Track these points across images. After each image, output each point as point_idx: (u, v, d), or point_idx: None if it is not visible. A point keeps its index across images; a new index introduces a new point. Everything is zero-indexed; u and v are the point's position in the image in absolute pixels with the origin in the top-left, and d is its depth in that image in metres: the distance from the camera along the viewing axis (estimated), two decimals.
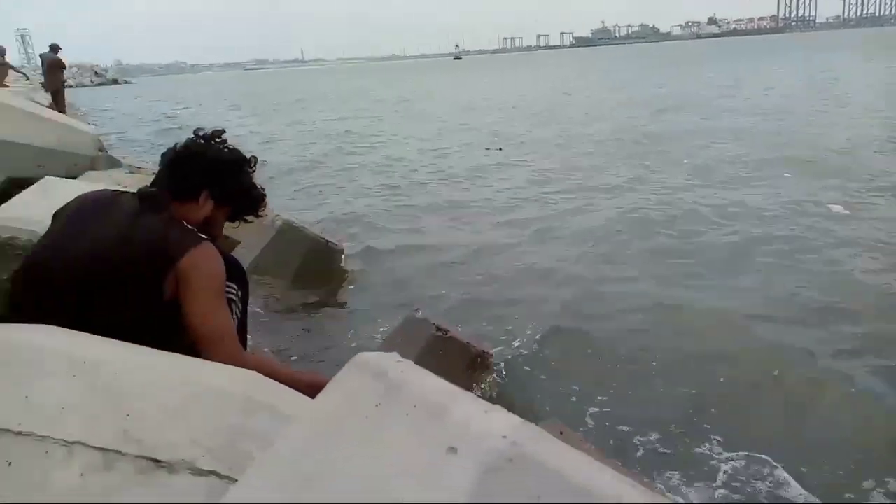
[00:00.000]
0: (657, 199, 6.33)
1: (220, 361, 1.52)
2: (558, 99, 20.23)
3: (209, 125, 1.94)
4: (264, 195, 1.92)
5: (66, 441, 0.96)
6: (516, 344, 3.32)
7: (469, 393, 0.58)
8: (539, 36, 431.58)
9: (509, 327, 3.52)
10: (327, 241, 4.66)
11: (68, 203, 1.75)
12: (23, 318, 1.40)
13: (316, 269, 4.47)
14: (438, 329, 3.27)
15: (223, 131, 1.88)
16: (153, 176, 1.87)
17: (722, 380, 2.89)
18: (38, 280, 1.63)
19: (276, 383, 1.25)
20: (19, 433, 0.95)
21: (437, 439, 0.54)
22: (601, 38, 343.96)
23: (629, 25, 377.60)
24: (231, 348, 1.59)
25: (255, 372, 1.28)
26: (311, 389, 1.80)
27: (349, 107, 21.62)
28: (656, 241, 5.07)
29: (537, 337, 3.35)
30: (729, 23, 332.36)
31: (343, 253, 4.72)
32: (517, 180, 7.77)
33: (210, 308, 1.59)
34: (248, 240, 4.26)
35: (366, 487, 0.54)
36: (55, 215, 1.74)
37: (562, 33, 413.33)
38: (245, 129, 15.59)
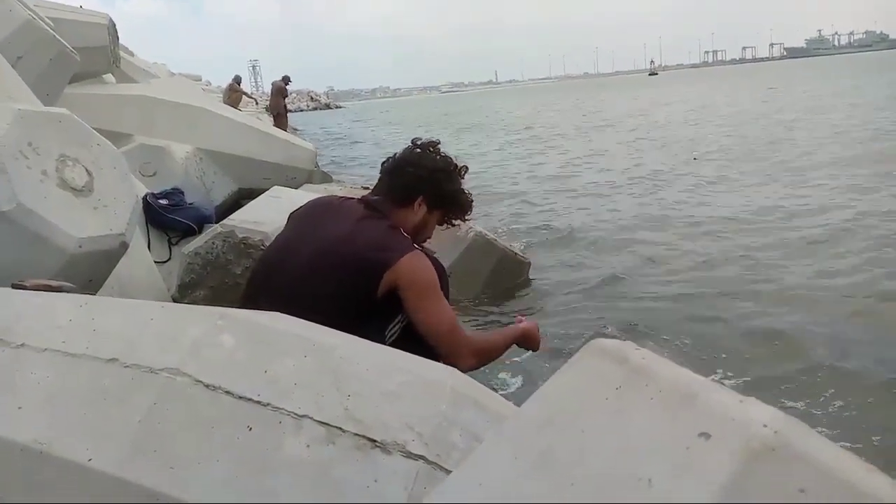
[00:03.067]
0: None
1: (454, 351, 1.68)
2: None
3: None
4: (472, 201, 2.02)
5: (296, 414, 1.06)
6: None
7: (717, 384, 0.56)
8: (744, 48, 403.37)
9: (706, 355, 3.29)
10: (516, 254, 4.72)
11: (301, 207, 1.96)
12: (254, 308, 1.60)
13: (503, 280, 4.55)
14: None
15: (438, 142, 2.00)
16: (361, 189, 2.05)
17: None
18: (271, 275, 1.85)
19: (480, 385, 1.28)
20: (258, 402, 1.07)
21: (687, 424, 0.52)
22: (817, 47, 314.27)
23: (851, 33, 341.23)
24: (459, 338, 1.76)
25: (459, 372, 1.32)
26: (522, 338, 2.04)
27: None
28: None
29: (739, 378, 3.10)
30: None
31: (530, 266, 4.75)
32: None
33: (433, 308, 1.74)
34: (442, 248, 4.44)
35: (611, 464, 0.53)
36: (290, 217, 1.96)
37: (770, 44, 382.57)
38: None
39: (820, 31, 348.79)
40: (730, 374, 3.01)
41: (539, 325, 2.17)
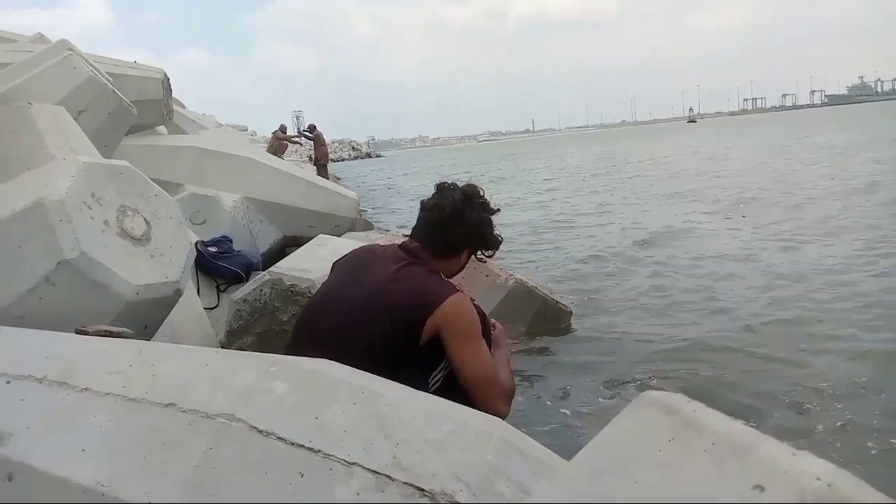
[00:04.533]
0: None
1: (491, 399, 1.68)
2: None
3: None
4: (501, 240, 2.07)
5: (346, 461, 1.08)
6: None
7: (770, 437, 0.56)
8: (784, 95, 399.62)
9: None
10: (557, 301, 4.68)
11: (345, 255, 2.01)
12: (301, 354, 1.63)
13: (544, 328, 4.51)
14: None
15: (482, 195, 2.03)
16: (402, 237, 2.09)
17: None
18: (315, 322, 1.88)
19: (525, 435, 1.29)
20: (310, 449, 1.10)
21: (741, 476, 0.53)
22: (859, 94, 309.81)
23: (895, 79, 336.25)
24: (497, 386, 1.73)
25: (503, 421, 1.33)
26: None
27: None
28: None
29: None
30: None
31: (571, 314, 4.71)
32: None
33: (474, 352, 1.75)
34: (481, 295, 4.44)
35: None
36: (333, 266, 2.01)
37: (811, 92, 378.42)
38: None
39: (862, 77, 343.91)
40: (782, 426, 2.92)
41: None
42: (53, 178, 1.87)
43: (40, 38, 6.77)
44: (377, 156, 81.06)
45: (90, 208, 1.85)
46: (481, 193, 2.04)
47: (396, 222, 10.41)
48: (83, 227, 1.79)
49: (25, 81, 3.40)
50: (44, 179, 1.87)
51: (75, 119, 3.34)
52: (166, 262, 1.95)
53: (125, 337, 1.46)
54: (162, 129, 6.39)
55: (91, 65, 4.05)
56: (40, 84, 3.50)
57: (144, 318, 1.90)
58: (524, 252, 8.02)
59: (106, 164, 2.02)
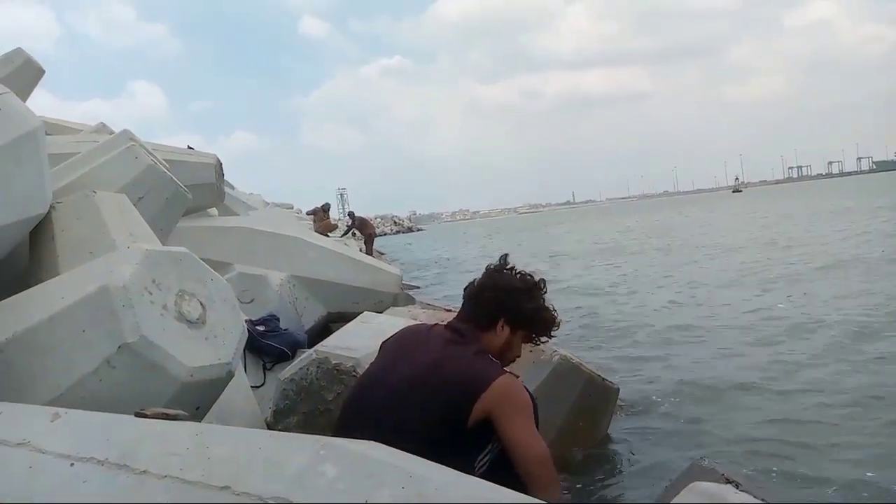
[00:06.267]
0: None
1: (544, 482, 1.64)
2: None
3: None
4: (557, 317, 2.04)
5: None
6: None
7: None
8: (830, 163, 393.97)
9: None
10: (603, 379, 4.60)
11: (392, 336, 2.05)
12: (348, 435, 1.65)
13: (589, 405, 4.41)
14: (728, 481, 2.99)
15: (506, 255, 2.06)
16: (444, 311, 2.13)
17: None
18: (363, 403, 1.91)
19: None
20: None
21: None
22: None
23: None
24: (552, 470, 1.71)
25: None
26: None
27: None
28: None
29: None
30: None
31: (618, 391, 4.61)
32: None
33: (529, 435, 1.74)
34: (524, 373, 4.38)
35: None
36: (381, 346, 2.05)
37: (858, 158, 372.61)
38: None
39: None
40: None
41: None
42: (118, 264, 1.97)
43: (102, 128, 7.22)
44: (418, 229, 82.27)
45: (151, 293, 1.94)
46: (514, 266, 2.06)
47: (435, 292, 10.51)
48: (144, 312, 1.88)
49: (91, 171, 3.63)
50: (109, 266, 1.98)
51: (135, 204, 3.52)
52: (219, 344, 2.01)
53: (181, 419, 1.51)
54: (213, 210, 6.64)
55: (151, 153, 4.29)
56: (104, 173, 3.73)
57: (198, 399, 1.95)
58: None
59: (166, 252, 2.12)
